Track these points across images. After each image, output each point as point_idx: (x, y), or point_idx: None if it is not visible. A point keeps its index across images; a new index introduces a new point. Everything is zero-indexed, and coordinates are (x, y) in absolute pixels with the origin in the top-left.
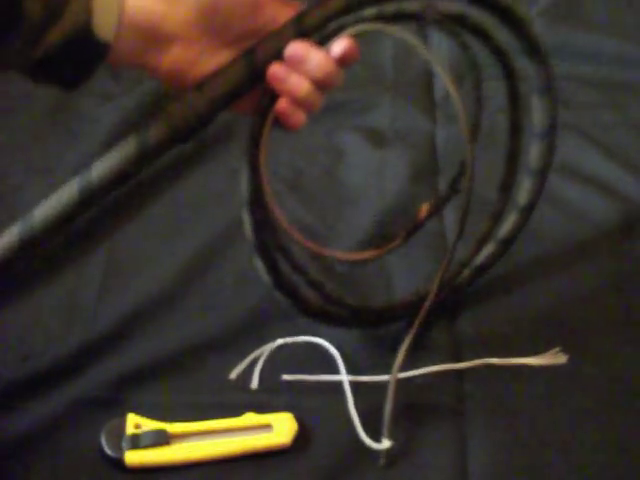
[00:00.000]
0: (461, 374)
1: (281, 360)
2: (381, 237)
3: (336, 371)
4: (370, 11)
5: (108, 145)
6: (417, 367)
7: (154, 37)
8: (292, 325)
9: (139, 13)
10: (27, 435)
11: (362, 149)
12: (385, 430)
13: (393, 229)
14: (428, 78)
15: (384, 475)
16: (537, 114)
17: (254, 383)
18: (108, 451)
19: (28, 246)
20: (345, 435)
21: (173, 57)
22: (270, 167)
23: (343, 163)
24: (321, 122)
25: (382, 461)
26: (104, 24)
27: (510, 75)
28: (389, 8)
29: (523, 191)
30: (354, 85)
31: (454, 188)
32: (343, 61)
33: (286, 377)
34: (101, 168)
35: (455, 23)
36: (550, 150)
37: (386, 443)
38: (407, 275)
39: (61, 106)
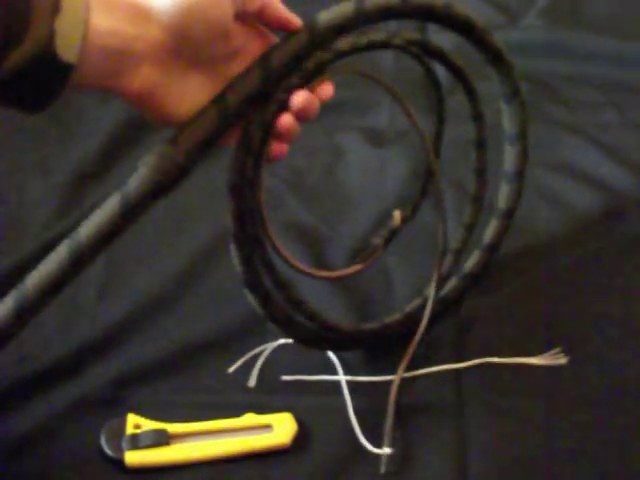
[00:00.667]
0: (461, 374)
1: (281, 361)
2: (360, 250)
3: (335, 372)
4: (345, 44)
5: (108, 145)
6: (417, 367)
7: (122, 58)
8: None
9: (106, 34)
10: (27, 435)
11: (362, 149)
12: (386, 437)
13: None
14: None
15: (384, 475)
16: (506, 121)
17: (252, 381)
18: (108, 451)
19: (24, 315)
20: (345, 435)
21: (142, 79)
22: (270, 167)
23: (343, 163)
24: (321, 122)
25: (383, 468)
26: (68, 45)
27: (471, 94)
28: (362, 40)
29: (501, 197)
30: (354, 85)
31: (424, 193)
32: (323, 100)
33: (286, 377)
34: (88, 228)
35: (418, 48)
36: (523, 155)
37: (387, 449)
38: (407, 276)
39: (61, 106)
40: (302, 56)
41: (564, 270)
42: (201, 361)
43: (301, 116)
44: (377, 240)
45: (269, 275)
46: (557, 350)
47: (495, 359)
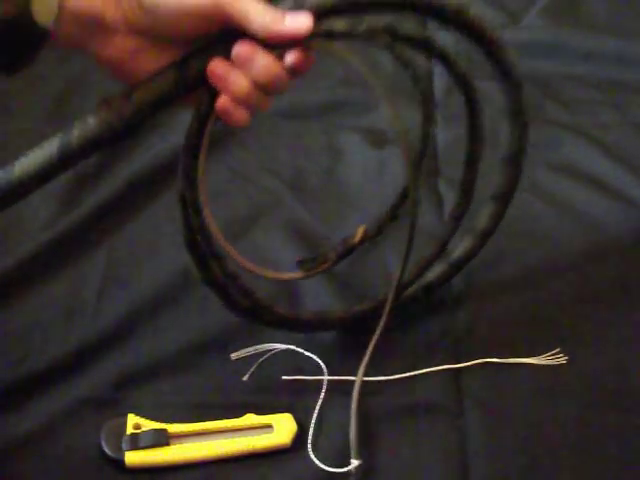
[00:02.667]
0: (460, 374)
1: (281, 361)
2: (312, 260)
3: (334, 372)
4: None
5: None
6: (417, 367)
7: (95, 26)
8: None
9: (83, 3)
10: (27, 435)
11: (362, 149)
12: (352, 449)
13: (392, 230)
14: (428, 77)
15: (384, 475)
16: (506, 139)
17: (246, 376)
18: (108, 451)
19: None
20: (344, 435)
21: (114, 47)
22: (270, 167)
23: (343, 163)
24: (321, 122)
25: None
26: (44, 10)
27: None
28: (349, 25)
29: (484, 216)
30: (354, 85)
31: (393, 215)
32: (293, 70)
33: (286, 378)
34: (22, 167)
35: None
36: (516, 176)
37: (354, 462)
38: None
39: (61, 106)
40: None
41: (564, 270)
42: (201, 361)
43: (264, 86)
44: (330, 253)
45: (204, 242)
46: (557, 350)
47: (495, 359)
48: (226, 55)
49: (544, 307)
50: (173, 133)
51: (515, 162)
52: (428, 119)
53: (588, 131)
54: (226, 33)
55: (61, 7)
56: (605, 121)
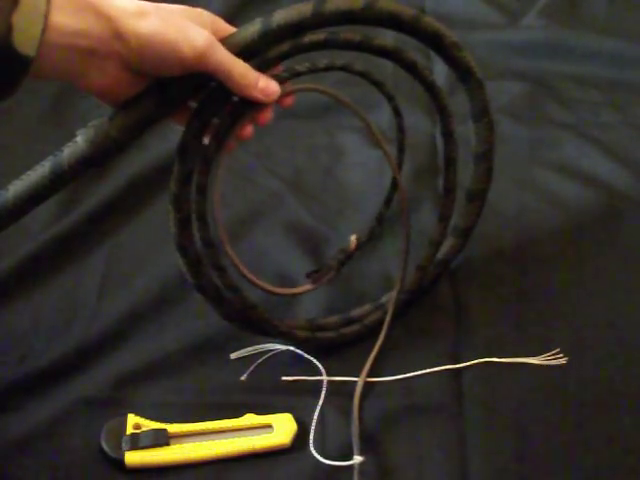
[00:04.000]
0: (461, 374)
1: (281, 361)
2: (316, 271)
3: (334, 371)
4: (302, 66)
5: None
6: (417, 367)
7: (81, 55)
8: None
9: (73, 34)
10: (27, 435)
11: (362, 149)
12: (354, 445)
13: (391, 230)
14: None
15: (384, 475)
16: (474, 140)
17: (244, 376)
18: (108, 451)
19: None
20: (344, 435)
21: (103, 79)
22: (270, 167)
23: (343, 163)
24: (321, 122)
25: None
26: (26, 39)
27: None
28: (321, 64)
29: (461, 215)
30: (354, 85)
31: (380, 220)
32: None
33: (286, 378)
34: (17, 188)
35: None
36: (486, 175)
37: (357, 458)
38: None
39: (61, 106)
40: (254, 52)
41: (564, 270)
42: (201, 361)
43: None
44: (332, 262)
45: (200, 232)
46: (557, 350)
47: (495, 359)
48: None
49: (544, 307)
50: (173, 133)
51: (484, 160)
52: (401, 129)
53: (588, 131)
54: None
55: (45, 35)
56: (605, 121)
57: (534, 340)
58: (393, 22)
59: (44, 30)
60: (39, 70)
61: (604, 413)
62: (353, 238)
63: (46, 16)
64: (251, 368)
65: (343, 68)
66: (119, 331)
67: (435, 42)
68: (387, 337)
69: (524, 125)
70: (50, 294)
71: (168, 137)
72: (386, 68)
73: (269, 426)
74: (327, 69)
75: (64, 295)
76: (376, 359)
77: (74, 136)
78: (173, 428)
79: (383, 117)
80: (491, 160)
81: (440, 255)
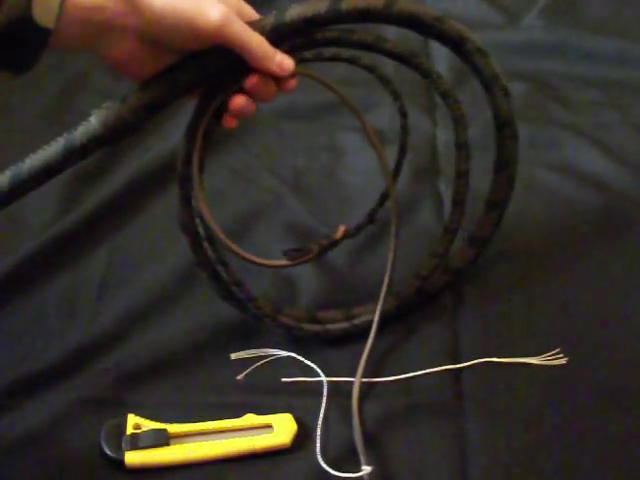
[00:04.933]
0: (461, 374)
1: (281, 361)
2: (296, 250)
3: (334, 373)
4: (309, 53)
5: None
6: (417, 367)
7: (103, 31)
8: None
9: (90, 8)
10: (27, 435)
11: (362, 149)
12: (360, 455)
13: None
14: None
15: (384, 475)
16: (496, 148)
17: (241, 376)
18: (108, 451)
19: None
20: (344, 435)
21: (120, 50)
22: (270, 167)
23: (343, 163)
24: (321, 122)
25: None
26: (45, 12)
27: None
28: (327, 53)
29: (478, 225)
30: (354, 85)
31: (371, 219)
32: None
33: (285, 380)
34: (32, 162)
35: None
36: (508, 184)
37: (366, 468)
38: (406, 273)
39: (61, 106)
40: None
41: (564, 270)
42: (201, 361)
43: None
44: (314, 246)
45: (201, 222)
46: (557, 350)
47: (495, 359)
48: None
49: (544, 307)
50: (173, 133)
51: (506, 169)
52: (404, 129)
53: (588, 131)
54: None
55: (63, 7)
56: (605, 121)
57: (534, 340)
58: (413, 23)
59: (62, 3)
60: (57, 41)
61: (604, 413)
62: (341, 229)
63: None
64: (249, 369)
65: (350, 60)
66: (119, 331)
67: (458, 46)
68: (388, 338)
69: (524, 125)
70: (50, 294)
71: (168, 137)
72: (387, 68)
73: (269, 426)
74: (333, 59)
75: (64, 295)
76: (369, 360)
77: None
78: (173, 428)
79: (384, 117)
80: (513, 170)
81: (454, 264)
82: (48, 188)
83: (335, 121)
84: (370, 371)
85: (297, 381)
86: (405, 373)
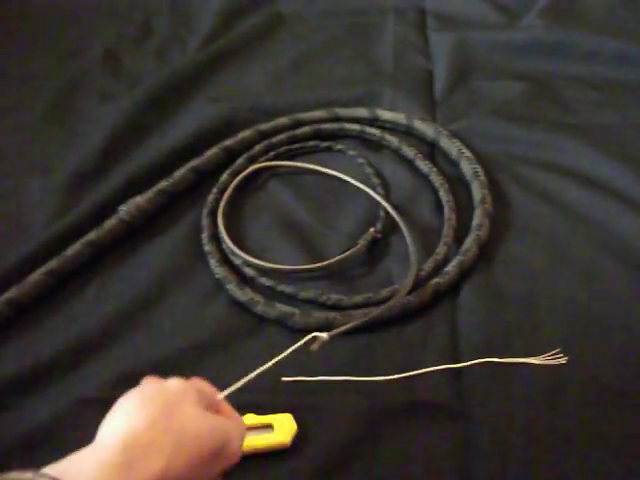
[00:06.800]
0: (461, 374)
1: (281, 362)
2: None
3: (335, 373)
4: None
5: (108, 145)
6: (417, 367)
7: None
8: (290, 326)
9: None
10: (27, 435)
11: (362, 150)
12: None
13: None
14: (428, 77)
15: (384, 475)
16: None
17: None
18: None
19: None
20: (344, 435)
21: None
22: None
23: (343, 163)
24: None
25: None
26: None
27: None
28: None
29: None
30: (354, 85)
31: (376, 233)
32: None
33: (285, 379)
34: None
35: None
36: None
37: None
38: (404, 274)
39: (61, 106)
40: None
41: (564, 270)
42: (201, 361)
43: None
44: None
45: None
46: (557, 350)
47: (495, 359)
48: None
49: (544, 307)
50: (172, 133)
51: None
52: None
53: (588, 131)
54: None
55: None
56: (605, 121)
57: (534, 340)
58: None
59: None
60: None
61: (604, 413)
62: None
63: None
64: (250, 374)
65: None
66: (119, 331)
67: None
68: (388, 338)
69: (524, 125)
70: (50, 294)
71: (168, 137)
72: (386, 68)
73: (269, 426)
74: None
75: (64, 295)
76: (365, 358)
77: (72, 135)
78: None
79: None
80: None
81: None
82: (48, 188)
83: None
84: (370, 371)
85: (297, 380)
86: (405, 373)
